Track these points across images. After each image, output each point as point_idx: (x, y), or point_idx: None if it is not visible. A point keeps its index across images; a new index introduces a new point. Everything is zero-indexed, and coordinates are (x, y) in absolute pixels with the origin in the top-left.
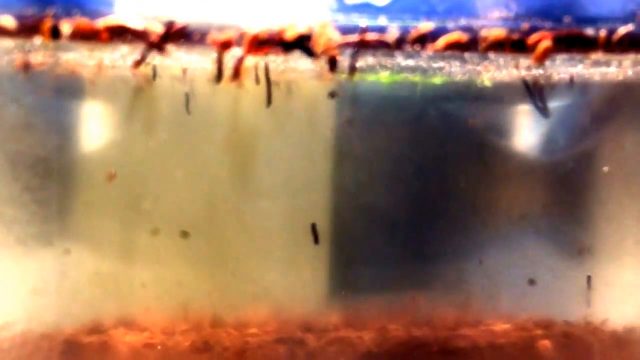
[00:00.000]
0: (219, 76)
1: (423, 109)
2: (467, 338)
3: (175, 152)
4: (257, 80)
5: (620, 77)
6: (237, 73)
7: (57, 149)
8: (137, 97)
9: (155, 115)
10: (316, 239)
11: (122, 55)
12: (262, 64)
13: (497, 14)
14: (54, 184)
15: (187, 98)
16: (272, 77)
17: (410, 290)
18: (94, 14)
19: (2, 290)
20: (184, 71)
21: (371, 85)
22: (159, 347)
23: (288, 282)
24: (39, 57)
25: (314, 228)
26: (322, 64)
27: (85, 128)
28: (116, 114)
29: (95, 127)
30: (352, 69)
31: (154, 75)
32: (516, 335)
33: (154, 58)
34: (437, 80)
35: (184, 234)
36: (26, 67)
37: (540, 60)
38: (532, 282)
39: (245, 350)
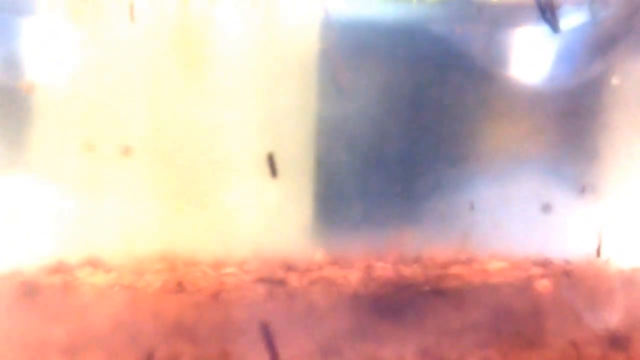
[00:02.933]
0: None
1: (415, 32)
2: (459, 277)
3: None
4: None
5: None
6: None
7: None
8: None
9: (98, 20)
10: (273, 172)
11: None
12: None
13: None
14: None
15: (132, 6)
16: None
17: (398, 226)
18: None
19: None
20: None
21: (360, 4)
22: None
23: (267, 217)
24: None
25: (271, 159)
26: None
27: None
28: (58, 19)
29: (29, 35)
30: None
31: None
32: (512, 274)
33: None
34: None
35: (128, 151)
36: None
37: None
38: (533, 217)
39: (220, 291)
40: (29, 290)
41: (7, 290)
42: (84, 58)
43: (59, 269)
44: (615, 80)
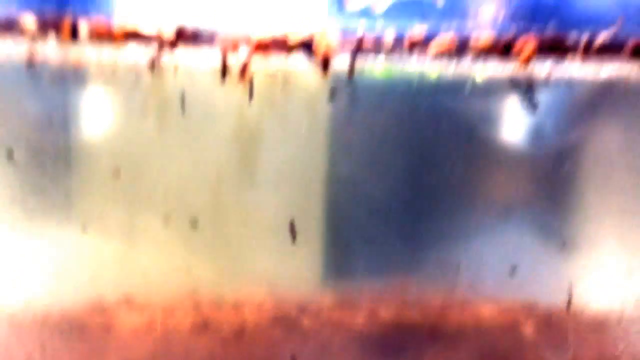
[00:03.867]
0: (223, 75)
1: (416, 102)
2: (455, 321)
3: (182, 146)
4: (248, 79)
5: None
6: (243, 73)
7: (72, 140)
8: (147, 92)
9: (165, 112)
10: (294, 237)
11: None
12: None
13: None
14: (71, 174)
15: (183, 98)
16: (270, 70)
17: (400, 273)
18: (106, 13)
19: (21, 271)
20: (188, 71)
21: (367, 79)
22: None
23: (284, 266)
24: (49, 54)
25: (292, 226)
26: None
27: (98, 121)
28: (126, 108)
29: (108, 120)
30: (351, 72)
31: (156, 69)
32: (501, 318)
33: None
34: (432, 75)
35: (193, 222)
36: (33, 62)
37: (525, 63)
38: (514, 268)
39: (243, 330)
40: (70, 328)
41: (49, 328)
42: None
43: (99, 307)
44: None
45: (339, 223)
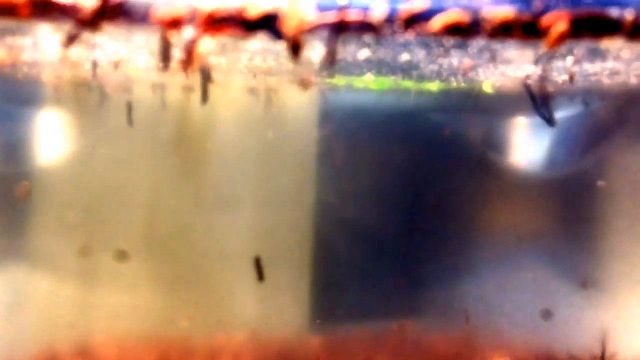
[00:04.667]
0: (165, 62)
1: (414, 120)
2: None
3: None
4: (211, 79)
5: (631, 84)
6: (190, 59)
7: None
8: (72, 102)
9: (95, 123)
10: (260, 276)
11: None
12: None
13: None
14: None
15: (130, 108)
16: (251, 84)
17: (398, 317)
18: None
19: None
20: (128, 80)
21: (358, 93)
22: None
23: (264, 309)
24: None
25: (257, 263)
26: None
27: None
28: (75, 121)
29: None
30: (331, 58)
31: (94, 72)
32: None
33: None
34: (433, 87)
35: (123, 255)
36: None
37: (554, 46)
38: (544, 312)
39: None
40: None
41: None
42: (81, 157)
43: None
44: (600, 183)
45: (328, 258)
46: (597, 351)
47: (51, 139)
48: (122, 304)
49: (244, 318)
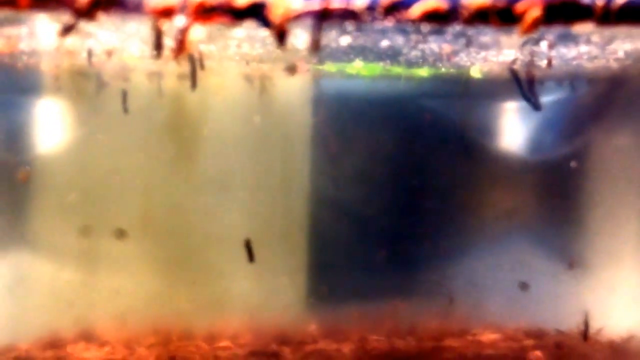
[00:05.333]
0: (158, 50)
1: (404, 105)
2: (453, 349)
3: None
4: (201, 66)
5: (613, 68)
6: (181, 46)
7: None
8: (68, 88)
9: (91, 108)
10: (251, 257)
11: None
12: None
13: None
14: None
15: (125, 96)
16: (244, 71)
17: (391, 298)
18: None
19: None
20: (123, 68)
21: (350, 79)
22: None
23: (261, 291)
24: None
25: (248, 245)
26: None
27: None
28: (42, 106)
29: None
30: (315, 45)
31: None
32: (505, 345)
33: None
34: (423, 72)
35: (122, 234)
36: None
37: (528, 32)
38: (522, 287)
39: None
40: None
41: None
42: (78, 141)
43: (53, 344)
44: (573, 164)
45: (322, 241)
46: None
47: (51, 126)
48: (122, 285)
49: (240, 299)
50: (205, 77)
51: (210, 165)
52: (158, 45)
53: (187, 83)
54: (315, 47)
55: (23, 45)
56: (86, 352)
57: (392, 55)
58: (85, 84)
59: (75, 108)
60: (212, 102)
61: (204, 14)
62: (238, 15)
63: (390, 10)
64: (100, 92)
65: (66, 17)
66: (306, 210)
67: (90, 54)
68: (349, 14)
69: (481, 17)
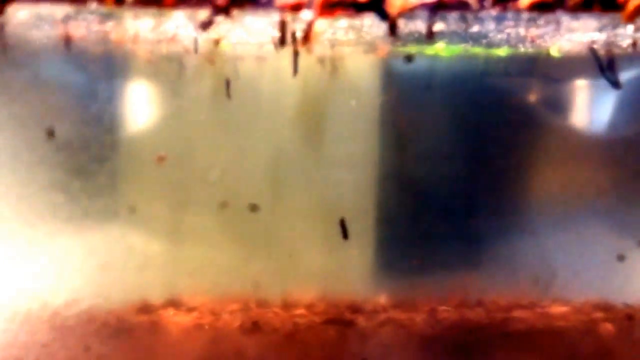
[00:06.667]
0: (282, 41)
1: (481, 84)
2: (522, 321)
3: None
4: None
5: None
6: (307, 37)
7: (116, 126)
8: (197, 69)
9: (219, 92)
10: (345, 235)
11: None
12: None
13: None
14: (115, 162)
15: (228, 83)
16: (324, 52)
17: (461, 271)
18: None
19: (68, 266)
20: (235, 54)
21: (428, 59)
22: (207, 327)
23: (334, 262)
24: (84, 29)
25: (342, 223)
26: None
27: (144, 99)
28: (178, 90)
29: (155, 98)
30: (430, 34)
31: (217, 44)
32: (575, 318)
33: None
34: (502, 52)
35: (246, 213)
36: (69, 40)
37: (631, 19)
38: (587, 265)
39: (295, 331)
40: (118, 330)
41: (94, 328)
42: (208, 124)
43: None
44: None
45: (393, 215)
46: None
47: (184, 111)
48: (209, 258)
49: (318, 273)
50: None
51: (294, 143)
52: (283, 36)
53: (287, 66)
54: (430, 35)
55: (144, 34)
56: (176, 317)
57: (477, 38)
58: (221, 69)
59: (204, 93)
60: (298, 84)
61: (328, 8)
62: (359, 9)
63: (500, 1)
64: (232, 76)
65: (205, 14)
66: (380, 187)
67: (195, 42)
68: (461, 5)
69: (586, 4)
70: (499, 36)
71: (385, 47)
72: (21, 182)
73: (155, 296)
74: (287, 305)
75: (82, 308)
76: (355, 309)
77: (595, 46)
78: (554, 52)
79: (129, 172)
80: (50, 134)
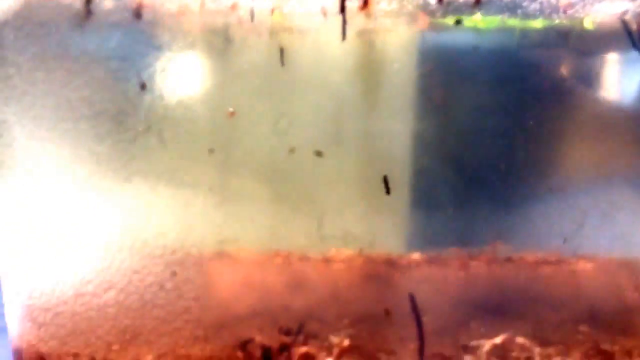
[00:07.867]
0: (342, 7)
1: (514, 57)
2: (550, 277)
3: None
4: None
5: None
6: (366, 2)
7: (195, 83)
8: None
9: (285, 50)
10: (388, 190)
11: None
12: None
13: None
14: (196, 113)
15: (282, 52)
16: (367, 23)
17: (491, 239)
18: None
19: (157, 203)
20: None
21: (462, 31)
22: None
23: (371, 222)
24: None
25: (385, 180)
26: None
27: (218, 66)
28: (239, 57)
29: (225, 67)
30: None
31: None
32: (601, 275)
33: None
34: (537, 24)
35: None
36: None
37: None
38: (613, 225)
39: (335, 285)
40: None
41: (179, 258)
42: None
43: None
44: None
45: (426, 179)
46: None
47: (247, 75)
48: (252, 215)
49: (354, 234)
50: (328, 32)
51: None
52: (343, 4)
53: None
54: (478, 1)
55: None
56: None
57: (512, 7)
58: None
59: (268, 59)
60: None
61: None
62: None
63: None
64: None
65: None
66: (414, 157)
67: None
68: None
69: None
70: (533, 6)
71: (426, 19)
72: (117, 129)
73: (231, 230)
74: (327, 261)
75: (168, 240)
76: (390, 265)
77: (626, 17)
78: (588, 25)
79: (207, 122)
80: (143, 87)
